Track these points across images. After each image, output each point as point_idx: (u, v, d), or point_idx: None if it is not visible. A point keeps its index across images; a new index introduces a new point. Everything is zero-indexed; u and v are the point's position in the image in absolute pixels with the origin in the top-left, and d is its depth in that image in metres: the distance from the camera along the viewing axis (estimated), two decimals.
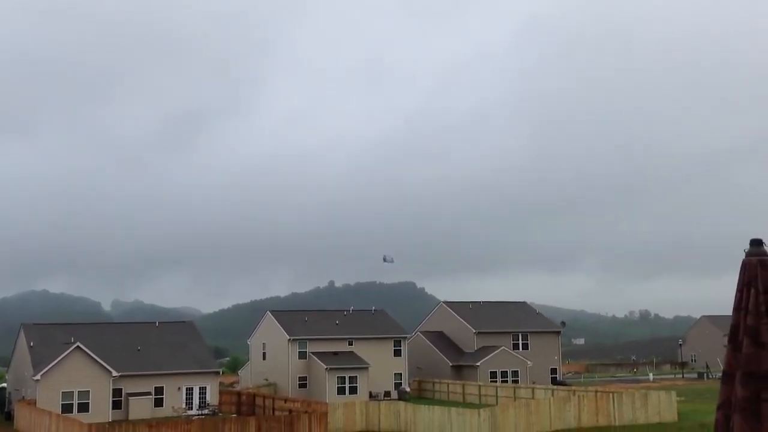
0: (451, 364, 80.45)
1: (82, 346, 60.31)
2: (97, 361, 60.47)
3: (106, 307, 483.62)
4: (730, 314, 4.60)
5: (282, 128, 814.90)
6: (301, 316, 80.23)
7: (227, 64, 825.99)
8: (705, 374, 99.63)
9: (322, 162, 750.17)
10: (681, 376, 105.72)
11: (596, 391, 57.03)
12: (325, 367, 70.87)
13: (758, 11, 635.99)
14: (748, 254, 4.56)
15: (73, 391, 59.38)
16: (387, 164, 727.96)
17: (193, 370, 65.57)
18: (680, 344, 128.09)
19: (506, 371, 78.71)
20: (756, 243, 4.61)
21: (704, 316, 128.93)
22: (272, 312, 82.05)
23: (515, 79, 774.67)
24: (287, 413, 49.26)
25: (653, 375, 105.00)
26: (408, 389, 74.85)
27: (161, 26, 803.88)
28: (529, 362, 79.61)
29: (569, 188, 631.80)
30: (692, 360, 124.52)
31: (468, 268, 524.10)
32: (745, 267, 4.53)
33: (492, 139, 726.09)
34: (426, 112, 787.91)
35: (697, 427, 44.79)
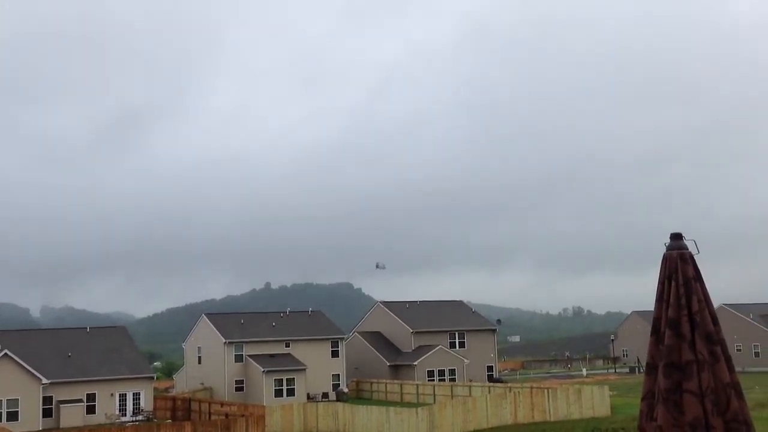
0: (388, 364, 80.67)
1: (10, 354, 58.63)
2: (26, 369, 58.86)
3: (35, 313, 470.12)
4: None
5: (218, 129, 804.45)
6: (236, 319, 79.43)
7: (162, 64, 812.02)
8: (636, 368, 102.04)
9: (259, 163, 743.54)
10: (613, 370, 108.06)
11: (531, 388, 57.85)
12: (262, 369, 70.29)
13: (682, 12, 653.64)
14: (669, 248, 4.66)
15: (1, 400, 57.74)
16: (324, 166, 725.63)
17: (125, 376, 64.31)
18: (612, 339, 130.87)
19: (443, 370, 79.27)
20: (675, 237, 4.72)
21: (634, 312, 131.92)
22: (207, 315, 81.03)
23: (454, 81, 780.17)
24: (224, 417, 48.73)
25: (587, 370, 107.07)
26: (346, 390, 74.79)
27: (94, 25, 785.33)
28: (465, 360, 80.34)
29: (505, 189, 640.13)
30: (624, 355, 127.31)
31: (405, 268, 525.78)
32: (666, 260, 4.63)
33: (430, 141, 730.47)
34: (364, 113, 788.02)
35: (630, 420, 45.79)
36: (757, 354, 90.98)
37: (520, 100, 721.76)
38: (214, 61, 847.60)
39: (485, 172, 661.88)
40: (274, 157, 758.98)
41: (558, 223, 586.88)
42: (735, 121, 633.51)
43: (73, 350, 65.80)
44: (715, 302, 4.68)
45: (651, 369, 4.53)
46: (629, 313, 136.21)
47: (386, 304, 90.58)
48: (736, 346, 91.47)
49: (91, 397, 62.58)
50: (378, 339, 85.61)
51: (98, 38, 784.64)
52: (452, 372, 79.56)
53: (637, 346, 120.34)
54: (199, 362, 78.43)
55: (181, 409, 62.84)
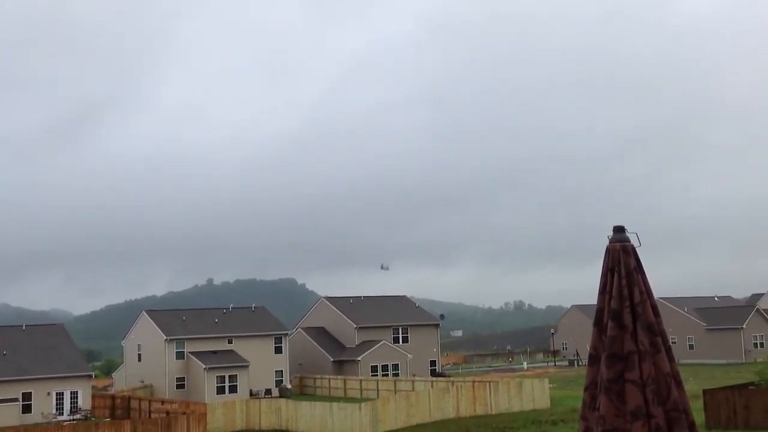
0: (332, 360, 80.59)
1: None
2: None
3: None
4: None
5: (174, 123, 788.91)
6: (178, 316, 78.41)
7: (118, 57, 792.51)
8: (575, 361, 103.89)
9: (213, 158, 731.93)
10: (553, 363, 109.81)
11: (474, 382, 58.44)
12: (204, 366, 69.55)
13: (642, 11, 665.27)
14: (611, 240, 4.74)
15: None
16: (278, 161, 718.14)
17: (63, 374, 62.96)
18: (552, 333, 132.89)
19: (387, 365, 79.53)
20: (618, 230, 4.81)
21: (574, 306, 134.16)
22: (148, 312, 79.82)
23: (415, 76, 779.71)
24: (164, 415, 48.07)
25: (527, 363, 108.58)
26: (289, 386, 74.50)
27: (48, 18, 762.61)
28: (409, 355, 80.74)
29: (455, 184, 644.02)
30: (563, 348, 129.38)
31: (351, 263, 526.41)
32: (609, 253, 4.71)
33: (385, 137, 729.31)
34: (323, 109, 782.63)
35: (569, 412, 46.61)
36: (691, 346, 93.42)
37: (477, 96, 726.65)
38: (173, 55, 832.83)
39: (437, 167, 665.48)
40: (229, 152, 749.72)
41: (504, 218, 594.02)
42: (681, 123, 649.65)
43: (8, 348, 64.16)
44: (654, 295, 4.76)
45: (594, 360, 4.61)
46: (569, 307, 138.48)
47: (330, 299, 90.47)
48: (672, 338, 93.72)
49: (27, 396, 61.10)
50: (322, 335, 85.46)
51: (52, 31, 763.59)
52: (396, 367, 79.87)
53: (577, 339, 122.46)
54: (139, 360, 77.22)
55: (120, 407, 61.79)
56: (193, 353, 71.93)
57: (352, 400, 59.10)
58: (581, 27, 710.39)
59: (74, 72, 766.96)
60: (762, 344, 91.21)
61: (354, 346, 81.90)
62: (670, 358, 4.44)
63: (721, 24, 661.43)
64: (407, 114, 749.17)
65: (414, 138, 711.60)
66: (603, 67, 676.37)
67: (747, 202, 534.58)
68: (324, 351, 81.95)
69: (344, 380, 72.76)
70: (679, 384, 4.43)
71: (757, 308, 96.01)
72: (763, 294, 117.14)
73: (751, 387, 33.87)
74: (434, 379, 69.88)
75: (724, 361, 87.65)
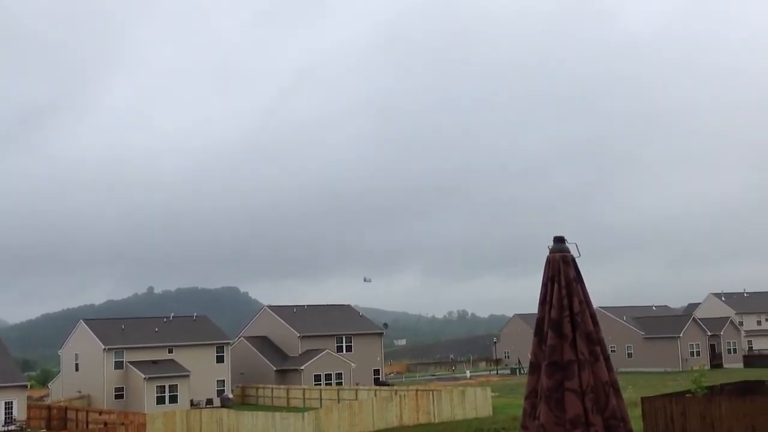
0: (275, 369, 79.95)
1: None
2: None
3: None
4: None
5: (116, 129, 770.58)
6: (117, 325, 76.92)
7: (65, 60, 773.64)
8: (517, 370, 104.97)
9: (157, 164, 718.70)
10: (496, 372, 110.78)
11: (417, 390, 58.57)
12: (144, 376, 68.35)
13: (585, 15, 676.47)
14: (552, 251, 4.79)
15: None
16: (226, 168, 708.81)
17: None
18: (495, 342, 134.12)
19: (330, 374, 79.23)
20: (558, 240, 4.86)
21: (516, 315, 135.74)
22: (86, 320, 78.19)
23: (360, 86, 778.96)
24: (102, 426, 47.08)
25: (470, 372, 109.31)
26: (231, 396, 73.65)
27: None
28: (352, 364, 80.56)
29: (399, 194, 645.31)
30: (506, 356, 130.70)
31: (294, 273, 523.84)
32: (549, 263, 4.76)
33: (331, 146, 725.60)
34: (270, 117, 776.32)
35: (510, 420, 47.01)
36: (630, 355, 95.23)
37: (421, 107, 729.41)
38: (118, 59, 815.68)
39: (380, 177, 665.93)
40: (174, 159, 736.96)
41: (448, 228, 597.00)
42: (620, 136, 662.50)
43: None
44: (594, 305, 4.83)
45: (534, 368, 4.65)
46: (511, 316, 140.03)
47: (273, 308, 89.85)
48: (611, 347, 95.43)
49: None
50: (265, 344, 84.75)
51: None
52: (339, 376, 79.61)
53: (519, 348, 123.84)
54: (77, 370, 75.52)
55: (56, 418, 60.33)
56: (132, 363, 70.63)
57: (295, 409, 58.71)
58: (526, 41, 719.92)
59: (16, 75, 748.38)
60: (698, 353, 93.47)
61: (297, 355, 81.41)
62: (609, 367, 4.50)
63: (662, 42, 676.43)
64: (351, 125, 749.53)
65: (357, 148, 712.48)
66: (547, 81, 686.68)
67: (683, 214, 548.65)
68: (267, 360, 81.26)
69: (287, 390, 72.24)
70: (617, 392, 4.49)
71: (694, 317, 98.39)
72: (699, 303, 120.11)
73: (687, 395, 34.61)
74: (378, 388, 69.86)
75: (662, 370, 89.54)
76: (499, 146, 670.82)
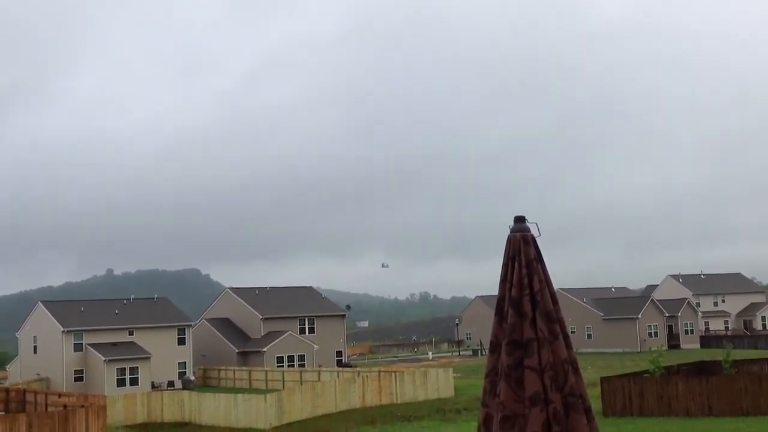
0: (237, 351, 79.70)
1: None
2: None
3: None
4: None
5: (83, 114, 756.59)
6: (76, 307, 76.03)
7: (32, 44, 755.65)
8: (479, 351, 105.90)
9: (123, 149, 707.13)
10: (458, 353, 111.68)
11: (379, 372, 58.86)
12: (104, 359, 67.72)
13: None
14: (512, 230, 4.81)
15: None
16: (190, 153, 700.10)
17: None
18: (457, 323, 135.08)
19: (293, 355, 79.21)
20: (519, 220, 4.88)
21: (478, 296, 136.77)
22: (44, 302, 77.17)
23: (330, 72, 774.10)
24: (62, 408, 46.52)
25: (432, 353, 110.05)
26: (193, 378, 73.32)
27: None
28: (315, 346, 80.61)
29: (366, 178, 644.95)
30: (467, 338, 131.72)
31: (257, 255, 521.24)
32: (510, 242, 4.78)
33: (299, 130, 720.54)
34: (238, 102, 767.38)
35: (472, 401, 47.46)
36: (589, 336, 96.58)
37: (389, 94, 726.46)
38: (86, 44, 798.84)
39: (346, 163, 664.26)
40: (139, 144, 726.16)
41: (412, 212, 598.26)
42: (583, 124, 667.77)
43: None
44: (554, 285, 4.87)
45: (494, 347, 4.67)
46: (473, 297, 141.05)
47: (235, 290, 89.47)
48: (571, 328, 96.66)
49: None
50: (226, 326, 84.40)
51: None
52: (302, 358, 79.63)
53: (480, 329, 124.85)
54: (35, 352, 74.58)
55: (15, 400, 59.48)
56: (91, 345, 69.92)
57: (258, 391, 58.62)
58: (496, 28, 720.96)
59: None
60: (656, 334, 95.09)
61: (259, 337, 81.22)
62: (568, 345, 4.54)
63: (629, 31, 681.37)
64: (320, 111, 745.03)
65: (324, 134, 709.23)
66: (514, 68, 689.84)
67: (644, 200, 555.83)
68: (229, 342, 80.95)
69: (249, 371, 72.09)
70: (576, 370, 4.54)
71: (652, 299, 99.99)
72: (657, 285, 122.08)
73: (645, 375, 35.24)
74: (340, 369, 70.03)
75: (621, 350, 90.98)
76: (464, 133, 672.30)
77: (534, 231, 4.80)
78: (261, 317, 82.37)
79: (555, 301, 4.68)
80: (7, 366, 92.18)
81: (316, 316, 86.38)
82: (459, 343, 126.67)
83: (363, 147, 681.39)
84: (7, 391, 62.69)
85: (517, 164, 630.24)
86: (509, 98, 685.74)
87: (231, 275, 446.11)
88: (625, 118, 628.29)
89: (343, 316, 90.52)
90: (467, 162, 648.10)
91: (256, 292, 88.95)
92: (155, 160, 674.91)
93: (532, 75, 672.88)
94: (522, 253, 4.69)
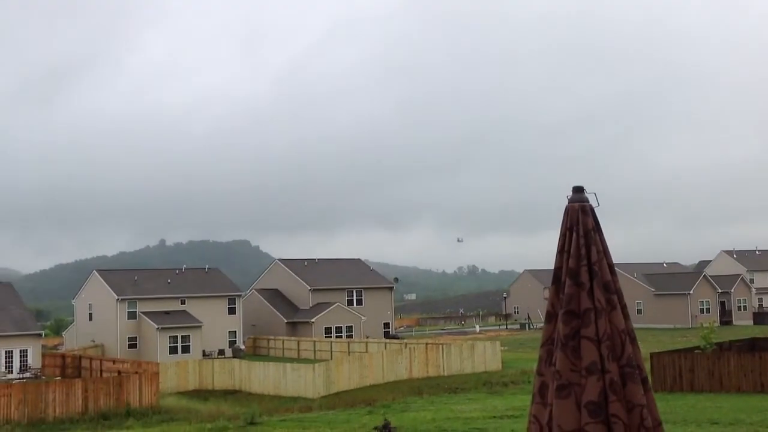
0: (286, 321, 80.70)
1: None
2: None
3: None
4: (550, 269, 4.83)
5: (147, 85, 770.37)
6: (130, 275, 77.64)
7: (95, 17, 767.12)
8: (527, 325, 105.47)
9: (182, 120, 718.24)
10: (505, 327, 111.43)
11: (426, 344, 59.10)
12: (156, 326, 69.15)
13: None
14: (570, 200, 4.78)
15: None
16: (247, 124, 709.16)
17: (12, 333, 62.01)
18: (505, 297, 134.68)
19: (341, 327, 79.94)
20: (578, 190, 4.85)
21: (526, 270, 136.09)
22: (99, 271, 78.88)
23: (387, 43, 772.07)
24: (116, 374, 47.75)
25: (480, 327, 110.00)
26: (242, 347, 74.49)
27: None
28: (363, 317, 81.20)
29: (422, 149, 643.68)
30: (515, 312, 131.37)
31: (307, 227, 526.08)
32: (568, 212, 4.75)
33: (354, 104, 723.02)
34: (295, 74, 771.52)
35: (519, 374, 47.44)
36: (639, 311, 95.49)
37: (446, 64, 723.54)
38: (147, 16, 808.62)
39: (404, 133, 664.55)
40: (199, 115, 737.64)
41: (465, 185, 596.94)
42: (643, 94, 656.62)
43: None
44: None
45: (551, 317, 4.67)
46: (521, 271, 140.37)
47: (284, 261, 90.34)
48: None
49: None
50: (276, 296, 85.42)
51: None
52: (349, 329, 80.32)
53: (528, 303, 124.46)
54: (90, 319, 76.46)
55: (71, 366, 61.24)
56: (145, 313, 71.43)
57: (306, 361, 59.37)
58: (563, 1, 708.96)
59: (47, 32, 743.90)
60: (708, 310, 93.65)
61: (308, 308, 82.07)
62: (625, 316, 4.52)
63: (697, 8, 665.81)
64: (374, 83, 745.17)
65: (379, 106, 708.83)
66: (576, 42, 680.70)
67: (700, 174, 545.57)
68: (278, 312, 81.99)
69: (298, 342, 72.99)
70: (633, 341, 4.52)
71: (704, 275, 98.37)
72: (710, 261, 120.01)
73: (696, 351, 34.77)
74: (388, 341, 70.45)
75: (671, 326, 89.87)
76: (523, 104, 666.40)
77: (593, 201, 4.78)
78: (310, 288, 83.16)
79: (613, 272, 4.66)
80: (64, 332, 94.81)
81: (364, 288, 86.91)
82: (506, 316, 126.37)
83: (418, 120, 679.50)
84: (63, 357, 64.54)
85: (575, 135, 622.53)
86: (570, 72, 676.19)
87: (280, 247, 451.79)
88: (687, 93, 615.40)
89: (391, 288, 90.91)
90: (525, 135, 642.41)
91: (305, 263, 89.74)
92: (211, 132, 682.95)
93: (594, 48, 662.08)
94: (580, 223, 4.67)
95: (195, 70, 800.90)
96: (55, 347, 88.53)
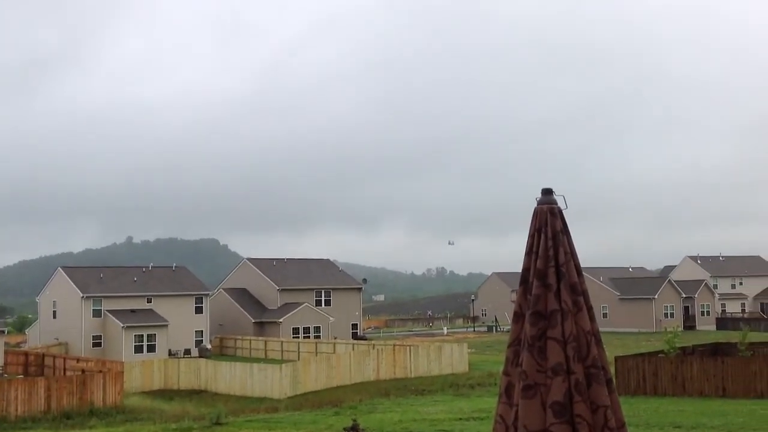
0: (253, 321, 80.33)
1: None
2: None
3: None
4: (519, 272, 4.87)
5: (122, 79, 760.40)
6: (96, 273, 76.78)
7: (70, 10, 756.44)
8: (494, 327, 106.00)
9: (155, 117, 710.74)
10: (472, 329, 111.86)
11: (394, 345, 59.16)
12: (122, 325, 68.47)
13: None
14: (539, 202, 4.82)
15: None
16: (225, 121, 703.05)
17: None
18: (472, 299, 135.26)
19: (309, 327, 79.75)
20: (546, 192, 4.89)
21: (494, 273, 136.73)
22: (64, 268, 77.94)
23: (367, 41, 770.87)
24: (80, 373, 47.16)
25: (447, 329, 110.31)
26: (209, 347, 73.99)
27: None
28: (331, 318, 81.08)
29: (397, 150, 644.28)
30: (483, 314, 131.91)
31: (276, 227, 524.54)
32: (536, 214, 4.79)
33: (329, 105, 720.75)
34: (270, 74, 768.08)
35: (486, 376, 47.66)
36: (605, 315, 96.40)
37: (424, 67, 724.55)
38: (126, 8, 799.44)
39: (376, 136, 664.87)
40: (172, 110, 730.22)
41: (435, 188, 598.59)
42: (612, 102, 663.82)
43: None
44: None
45: (518, 317, 4.70)
46: (490, 274, 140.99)
47: (253, 261, 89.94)
48: None
49: None
50: (244, 296, 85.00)
51: None
52: (317, 329, 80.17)
53: (496, 305, 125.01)
54: (54, 317, 75.49)
55: (34, 364, 60.33)
56: (110, 311, 70.69)
57: (273, 361, 59.15)
58: (534, 6, 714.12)
59: (21, 26, 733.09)
60: (672, 314, 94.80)
61: (276, 308, 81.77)
62: (592, 318, 4.57)
63: (664, 13, 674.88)
64: (351, 83, 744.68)
65: (356, 108, 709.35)
66: (547, 48, 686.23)
67: (666, 180, 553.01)
68: (245, 312, 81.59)
69: (265, 342, 72.68)
70: (598, 342, 4.57)
71: (669, 280, 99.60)
72: (675, 266, 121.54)
73: (660, 355, 35.21)
74: (355, 342, 70.45)
75: (636, 330, 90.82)
76: (499, 105, 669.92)
77: (561, 203, 4.82)
78: (278, 288, 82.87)
79: (580, 273, 4.70)
80: (27, 330, 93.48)
81: (333, 289, 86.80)
82: (474, 319, 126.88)
83: (390, 123, 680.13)
84: (26, 354, 63.59)
85: (545, 142, 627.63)
86: (541, 78, 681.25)
87: (249, 246, 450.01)
88: (653, 100, 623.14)
89: (360, 289, 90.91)
90: (500, 136, 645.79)
91: (274, 263, 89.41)
92: (183, 128, 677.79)
93: (563, 55, 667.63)
94: (548, 225, 4.71)
95: (172, 65, 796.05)
96: (17, 345, 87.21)
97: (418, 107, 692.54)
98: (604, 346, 4.75)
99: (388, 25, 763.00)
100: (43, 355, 60.25)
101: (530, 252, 4.73)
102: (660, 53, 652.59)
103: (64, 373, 51.37)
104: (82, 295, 70.45)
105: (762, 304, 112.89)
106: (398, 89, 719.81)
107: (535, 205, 4.82)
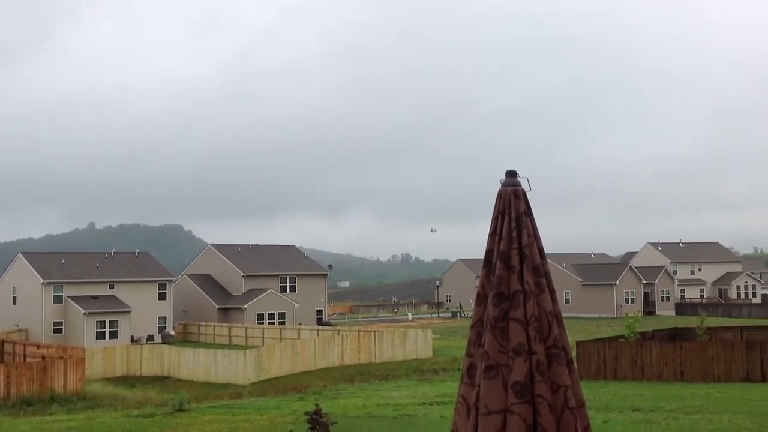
0: (218, 307, 79.92)
1: None
2: None
3: None
4: (482, 258, 4.88)
5: (92, 65, 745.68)
6: (57, 259, 75.78)
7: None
8: (458, 313, 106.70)
9: (126, 102, 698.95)
10: (437, 315, 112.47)
11: (359, 331, 59.29)
12: (83, 311, 67.72)
13: None
14: (503, 185, 4.84)
15: None
16: (193, 108, 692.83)
17: None
18: (437, 286, 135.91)
19: (273, 313, 79.56)
20: (511, 174, 4.91)
21: (459, 259, 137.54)
22: (24, 254, 76.80)
23: (339, 27, 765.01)
24: (40, 359, 46.58)
25: (412, 315, 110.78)
26: (173, 333, 73.54)
27: None
28: (296, 304, 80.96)
29: (360, 140, 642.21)
30: (447, 300, 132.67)
31: (241, 213, 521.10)
32: (500, 196, 4.81)
33: (299, 92, 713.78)
34: (241, 59, 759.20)
35: (450, 362, 48.00)
36: (568, 300, 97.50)
37: (395, 55, 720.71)
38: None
39: (342, 124, 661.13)
40: (139, 97, 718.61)
41: (408, 172, 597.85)
42: (582, 90, 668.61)
43: None
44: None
45: (481, 299, 4.72)
46: (454, 260, 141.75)
47: (217, 246, 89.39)
48: None
49: None
50: (208, 282, 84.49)
51: None
52: (282, 315, 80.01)
53: (460, 292, 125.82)
54: (14, 303, 74.44)
55: None
56: (71, 298, 69.86)
57: (237, 347, 58.96)
58: None
59: None
60: (633, 300, 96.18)
61: (241, 294, 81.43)
62: (553, 299, 4.60)
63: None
64: (322, 71, 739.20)
65: (326, 96, 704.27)
66: (518, 36, 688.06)
67: (628, 168, 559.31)
68: (209, 298, 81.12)
69: (229, 328, 72.41)
70: (560, 323, 4.60)
71: (630, 266, 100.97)
72: (636, 252, 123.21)
73: (620, 340, 35.71)
74: (320, 328, 70.47)
75: (597, 316, 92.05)
76: (464, 99, 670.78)
77: (525, 186, 4.84)
78: (243, 274, 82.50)
79: (542, 256, 4.73)
80: None
81: (298, 275, 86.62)
82: (439, 305, 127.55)
83: (359, 111, 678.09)
84: None
85: (515, 131, 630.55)
86: (521, 61, 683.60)
87: (214, 233, 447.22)
88: (618, 89, 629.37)
89: (325, 275, 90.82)
90: (470, 124, 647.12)
91: (239, 249, 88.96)
92: (149, 114, 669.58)
93: (535, 42, 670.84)
94: (512, 206, 4.73)
95: (141, 52, 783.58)
96: None
97: (387, 95, 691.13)
98: (567, 332, 4.79)
99: (359, 14, 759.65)
100: (3, 342, 59.39)
101: (494, 234, 4.75)
102: (627, 43, 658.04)
103: (24, 360, 50.71)
104: (42, 281, 69.51)
105: (720, 289, 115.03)
106: (368, 77, 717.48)
107: (499, 187, 4.83)
